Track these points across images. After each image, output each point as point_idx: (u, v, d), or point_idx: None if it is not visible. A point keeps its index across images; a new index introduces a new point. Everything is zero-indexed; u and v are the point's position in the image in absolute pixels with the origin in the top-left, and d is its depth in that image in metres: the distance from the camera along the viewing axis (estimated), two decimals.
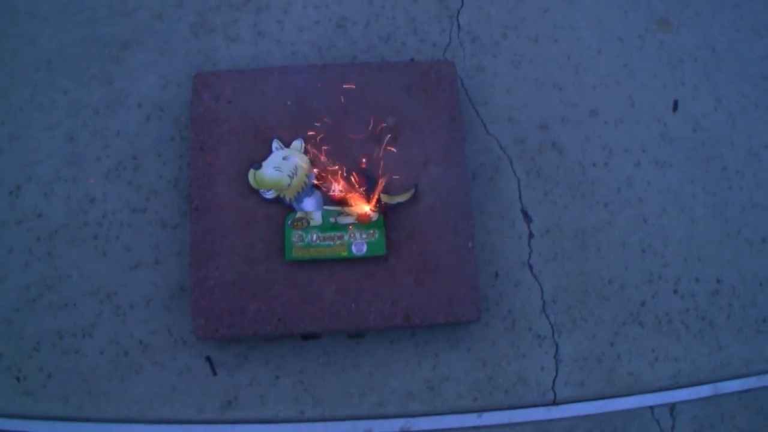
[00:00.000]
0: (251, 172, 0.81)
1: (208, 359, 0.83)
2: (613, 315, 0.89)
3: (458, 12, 0.97)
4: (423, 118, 0.84)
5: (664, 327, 0.88)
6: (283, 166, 0.81)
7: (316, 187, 0.81)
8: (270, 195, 0.80)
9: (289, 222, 0.79)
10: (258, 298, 0.79)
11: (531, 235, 0.89)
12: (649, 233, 0.91)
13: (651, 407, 0.85)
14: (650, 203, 0.92)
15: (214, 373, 0.82)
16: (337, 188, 0.80)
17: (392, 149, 0.83)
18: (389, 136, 0.83)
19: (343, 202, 0.80)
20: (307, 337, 0.84)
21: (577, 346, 0.87)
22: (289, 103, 0.84)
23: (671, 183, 0.94)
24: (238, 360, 0.83)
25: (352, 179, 0.80)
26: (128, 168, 0.89)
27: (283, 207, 0.81)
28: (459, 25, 0.96)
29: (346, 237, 0.79)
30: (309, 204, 0.80)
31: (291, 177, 0.80)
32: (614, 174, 0.93)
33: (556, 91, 0.96)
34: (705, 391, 0.86)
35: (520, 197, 0.91)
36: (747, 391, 0.87)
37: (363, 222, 0.79)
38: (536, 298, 0.88)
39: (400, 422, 0.82)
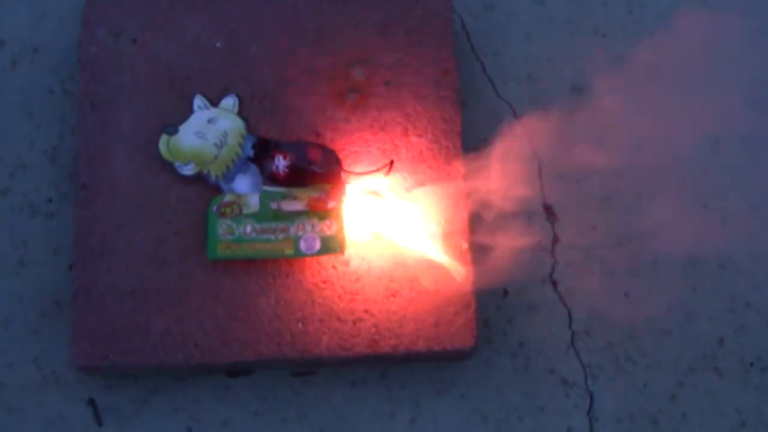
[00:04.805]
0: (163, 138, 1.04)
1: (92, 403, 1.04)
2: (676, 356, 1.09)
3: None
4: (403, 71, 1.09)
5: (753, 377, 1.08)
6: (208, 131, 1.05)
7: (253, 161, 1.05)
8: (189, 170, 1.04)
9: (214, 208, 1.02)
10: (166, 314, 1.01)
11: (556, 239, 1.13)
12: (732, 241, 1.12)
13: None
14: (734, 199, 1.13)
15: (99, 424, 1.04)
16: (283, 163, 1.04)
17: (358, 112, 1.07)
18: (355, 94, 1.08)
19: (290, 181, 1.03)
20: (234, 372, 1.06)
21: (622, 399, 1.07)
22: (218, 45, 1.10)
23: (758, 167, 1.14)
24: (135, 406, 1.05)
25: (307, 151, 1.04)
26: None
27: (207, 187, 1.04)
28: None
29: (292, 230, 1.02)
30: (242, 184, 1.04)
31: (218, 147, 1.04)
32: (676, 157, 1.15)
33: (598, 37, 1.20)
34: None
35: (541, 186, 1.14)
36: None
37: (317, 209, 1.02)
38: (562, 327, 1.10)
39: None
